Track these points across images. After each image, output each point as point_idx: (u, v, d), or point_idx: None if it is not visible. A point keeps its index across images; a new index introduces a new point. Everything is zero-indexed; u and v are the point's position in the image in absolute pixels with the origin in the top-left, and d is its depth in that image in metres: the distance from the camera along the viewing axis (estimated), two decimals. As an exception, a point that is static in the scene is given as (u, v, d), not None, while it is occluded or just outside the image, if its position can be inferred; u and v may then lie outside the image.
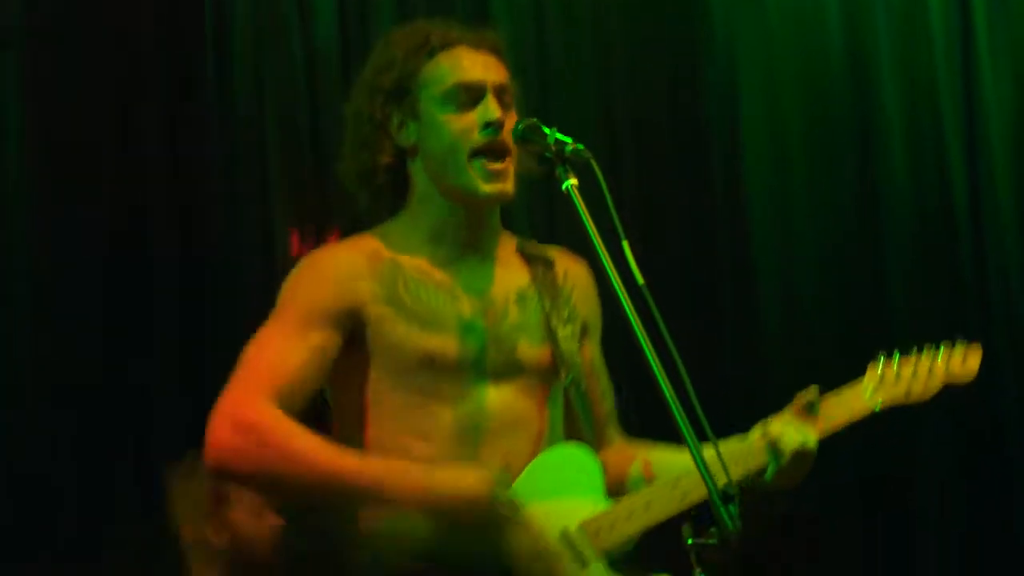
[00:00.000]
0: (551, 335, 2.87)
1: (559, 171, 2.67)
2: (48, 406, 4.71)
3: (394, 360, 2.73)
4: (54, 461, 4.69)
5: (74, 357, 4.74)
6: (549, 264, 2.99)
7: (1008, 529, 5.36)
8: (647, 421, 2.84)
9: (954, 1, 5.64)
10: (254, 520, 4.22)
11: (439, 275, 2.84)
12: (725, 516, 2.31)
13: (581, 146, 2.70)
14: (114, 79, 4.91)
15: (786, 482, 2.84)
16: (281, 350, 2.68)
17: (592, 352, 3.04)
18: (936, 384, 3.09)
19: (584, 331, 3.00)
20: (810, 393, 2.92)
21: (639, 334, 2.48)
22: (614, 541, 2.74)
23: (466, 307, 2.83)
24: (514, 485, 2.71)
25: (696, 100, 5.60)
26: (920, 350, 3.10)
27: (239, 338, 2.81)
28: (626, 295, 2.51)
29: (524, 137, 2.77)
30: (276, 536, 4.22)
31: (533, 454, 2.80)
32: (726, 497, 2.32)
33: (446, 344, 2.75)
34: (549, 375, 2.87)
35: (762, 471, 2.81)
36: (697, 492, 2.63)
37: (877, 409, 3.03)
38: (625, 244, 2.55)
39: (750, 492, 2.70)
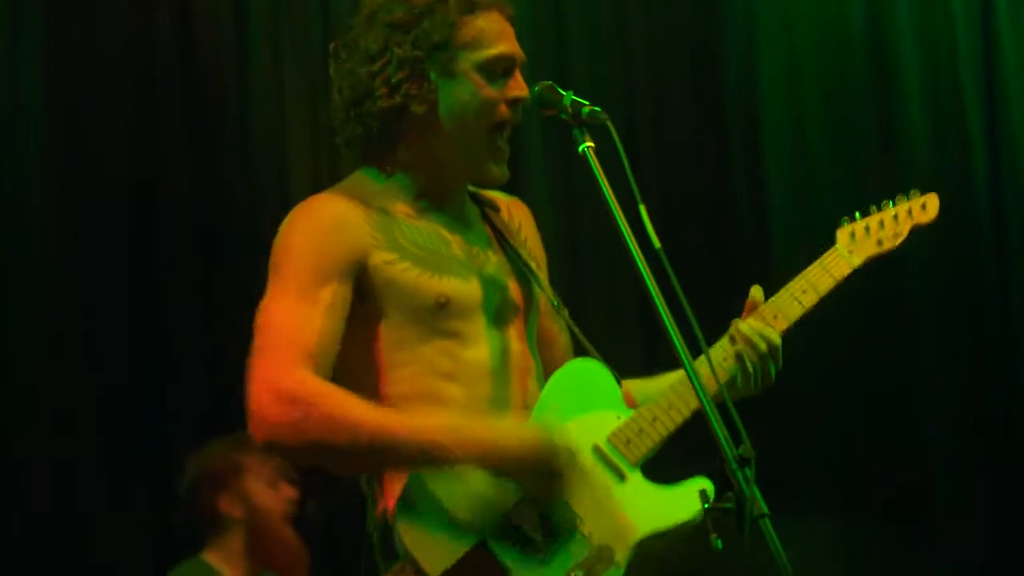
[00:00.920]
0: (527, 274, 2.85)
1: (576, 133, 2.64)
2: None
3: (408, 305, 2.68)
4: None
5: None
6: (496, 208, 2.95)
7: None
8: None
9: (975, -24, 5.62)
10: (269, 491, 4.22)
11: (425, 223, 2.79)
12: (741, 480, 2.30)
13: (598, 108, 2.67)
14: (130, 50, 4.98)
15: (758, 384, 2.86)
16: (302, 314, 2.60)
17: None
18: (904, 229, 3.13)
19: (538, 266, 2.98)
20: (756, 293, 2.93)
21: (655, 297, 2.46)
22: (645, 447, 2.72)
23: (460, 252, 2.80)
24: (539, 407, 2.71)
25: (714, 74, 5.59)
26: (879, 208, 3.15)
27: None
28: (642, 259, 2.50)
29: (541, 99, 2.74)
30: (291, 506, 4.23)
31: (538, 392, 2.78)
32: (742, 461, 2.31)
33: (457, 286, 2.72)
34: (527, 314, 2.86)
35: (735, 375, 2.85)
36: (711, 386, 2.62)
37: (857, 265, 3.06)
38: (642, 208, 2.53)
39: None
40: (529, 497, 2.56)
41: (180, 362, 5.02)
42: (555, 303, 2.89)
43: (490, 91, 2.77)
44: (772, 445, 3.23)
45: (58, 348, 4.92)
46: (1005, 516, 5.39)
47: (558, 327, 2.98)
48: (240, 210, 5.08)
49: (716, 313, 5.04)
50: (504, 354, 2.75)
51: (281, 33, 5.20)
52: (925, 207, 3.16)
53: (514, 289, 2.83)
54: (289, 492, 4.23)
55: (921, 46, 5.63)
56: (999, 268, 5.55)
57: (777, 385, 2.89)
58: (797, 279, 3.01)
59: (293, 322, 2.60)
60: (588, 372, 2.81)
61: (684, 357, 2.43)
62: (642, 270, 2.50)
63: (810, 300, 2.98)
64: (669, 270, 2.48)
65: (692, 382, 2.41)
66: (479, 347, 2.72)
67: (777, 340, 2.88)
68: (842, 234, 3.10)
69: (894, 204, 3.14)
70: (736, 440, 2.33)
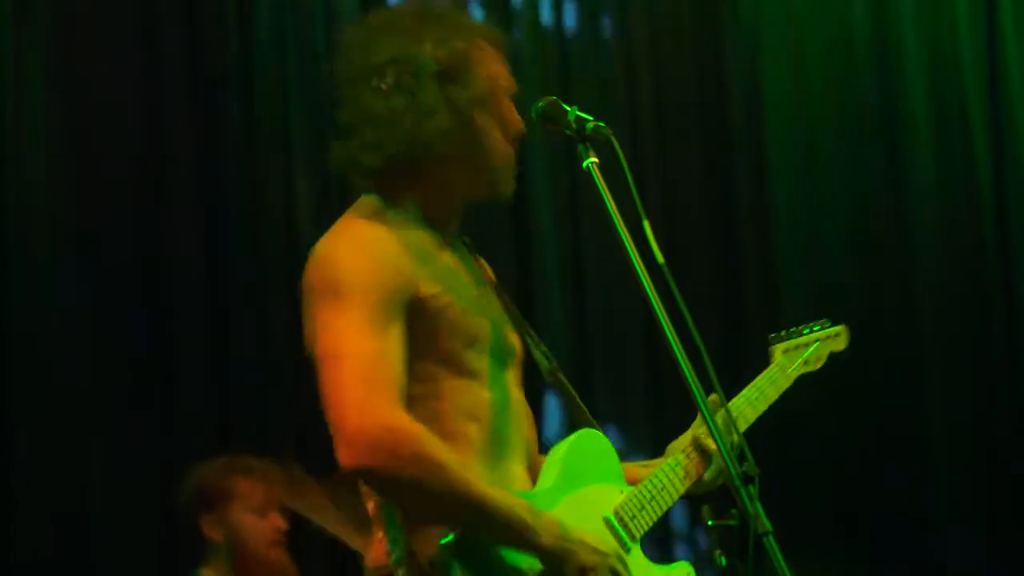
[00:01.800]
0: (518, 321, 2.83)
1: (580, 149, 2.63)
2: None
3: (447, 341, 2.60)
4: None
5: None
6: (471, 246, 2.92)
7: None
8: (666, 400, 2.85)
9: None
10: (256, 519, 4.22)
11: (447, 256, 2.73)
12: (745, 498, 2.29)
13: (602, 124, 2.66)
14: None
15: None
16: (384, 350, 2.52)
17: None
18: (823, 354, 3.30)
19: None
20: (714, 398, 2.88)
21: (659, 314, 2.46)
22: (644, 523, 2.74)
23: (476, 290, 2.74)
24: (553, 477, 2.70)
25: (720, 86, 5.58)
26: (799, 332, 3.31)
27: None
28: (646, 275, 2.50)
29: (545, 114, 2.71)
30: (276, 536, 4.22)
31: (534, 439, 2.76)
32: (746, 479, 2.30)
33: (482, 325, 2.68)
34: (522, 360, 2.83)
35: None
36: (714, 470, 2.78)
37: (792, 380, 3.19)
38: (646, 223, 2.52)
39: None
40: None
41: (183, 362, 5.02)
42: (549, 364, 2.87)
43: (493, 119, 2.72)
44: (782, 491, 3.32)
45: (58, 348, 4.89)
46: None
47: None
48: (243, 212, 5.07)
49: (720, 329, 5.08)
50: (511, 397, 2.73)
51: (286, 33, 5.22)
52: (838, 336, 3.35)
53: (510, 333, 2.80)
54: (278, 522, 4.23)
55: (927, 60, 5.64)
56: (1002, 271, 5.55)
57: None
58: (749, 387, 3.11)
59: (378, 358, 2.51)
60: (596, 442, 2.80)
61: (693, 386, 2.47)
62: (646, 286, 2.50)
63: (762, 407, 3.10)
64: (673, 286, 2.47)
65: (702, 410, 2.42)
66: (494, 389, 2.68)
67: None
68: (776, 351, 3.25)
69: (811, 331, 3.32)
70: (740, 457, 2.33)
